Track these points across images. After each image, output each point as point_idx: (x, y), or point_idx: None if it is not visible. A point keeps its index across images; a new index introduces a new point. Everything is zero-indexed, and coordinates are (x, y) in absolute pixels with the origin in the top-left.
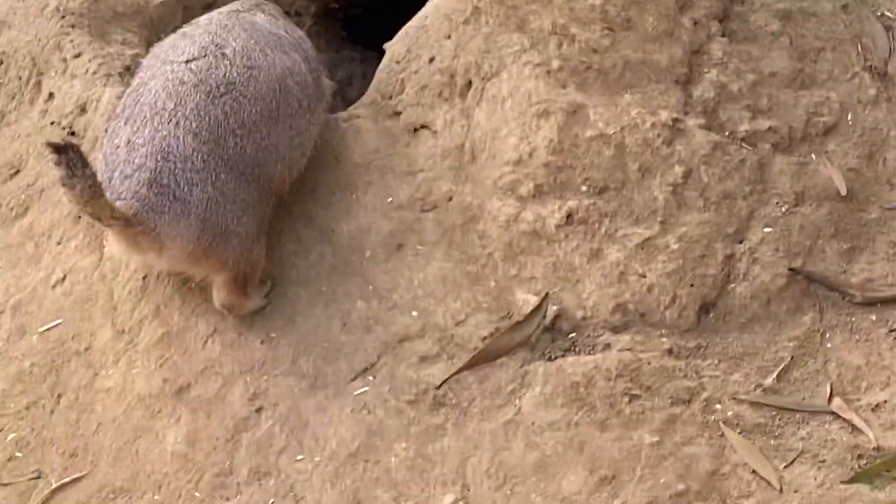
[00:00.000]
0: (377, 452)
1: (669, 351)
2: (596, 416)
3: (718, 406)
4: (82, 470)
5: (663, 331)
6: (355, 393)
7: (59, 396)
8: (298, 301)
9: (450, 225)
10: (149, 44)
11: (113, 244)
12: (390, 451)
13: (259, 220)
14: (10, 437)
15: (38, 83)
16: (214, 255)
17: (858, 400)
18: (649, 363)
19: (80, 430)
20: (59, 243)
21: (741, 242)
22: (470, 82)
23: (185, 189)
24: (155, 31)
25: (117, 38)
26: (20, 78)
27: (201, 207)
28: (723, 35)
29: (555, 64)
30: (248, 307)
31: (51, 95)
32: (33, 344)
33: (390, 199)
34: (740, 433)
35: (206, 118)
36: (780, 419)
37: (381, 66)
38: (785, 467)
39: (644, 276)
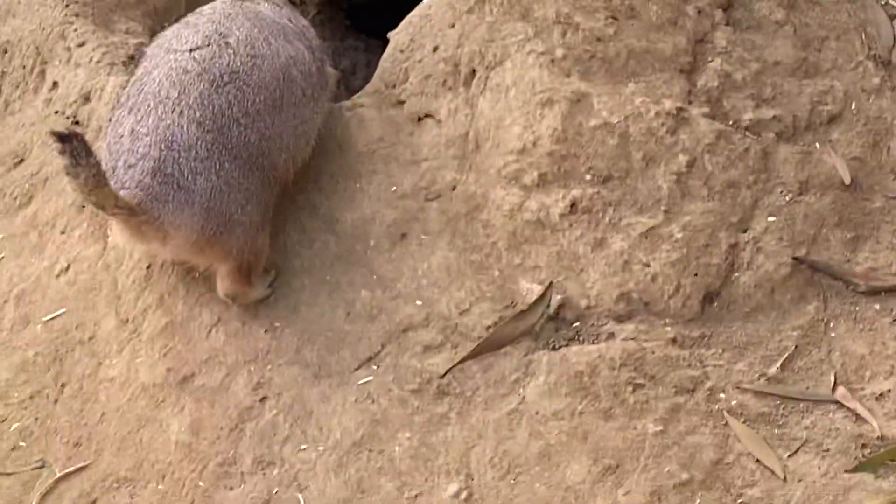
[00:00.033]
0: (381, 442)
1: (673, 340)
2: (600, 406)
3: (722, 395)
4: (86, 459)
5: (667, 320)
6: (359, 382)
7: (63, 386)
8: (302, 290)
9: (454, 214)
10: (152, 33)
11: (117, 233)
12: (394, 440)
13: (263, 209)
14: (14, 426)
15: (42, 72)
16: (218, 245)
17: (862, 389)
18: (653, 352)
19: (83, 419)
20: (62, 232)
21: (745, 231)
22: (474, 71)
23: (189, 178)
24: (158, 20)
25: (121, 27)
26: (24, 67)
27: (205, 197)
28: (727, 24)
29: (559, 53)
30: (251, 296)
31: (55, 84)
32: (37, 333)
33: (394, 188)
34: (744, 422)
35: (210, 107)
36: (783, 408)
37: (384, 55)
38: (789, 456)
39: (648, 266)
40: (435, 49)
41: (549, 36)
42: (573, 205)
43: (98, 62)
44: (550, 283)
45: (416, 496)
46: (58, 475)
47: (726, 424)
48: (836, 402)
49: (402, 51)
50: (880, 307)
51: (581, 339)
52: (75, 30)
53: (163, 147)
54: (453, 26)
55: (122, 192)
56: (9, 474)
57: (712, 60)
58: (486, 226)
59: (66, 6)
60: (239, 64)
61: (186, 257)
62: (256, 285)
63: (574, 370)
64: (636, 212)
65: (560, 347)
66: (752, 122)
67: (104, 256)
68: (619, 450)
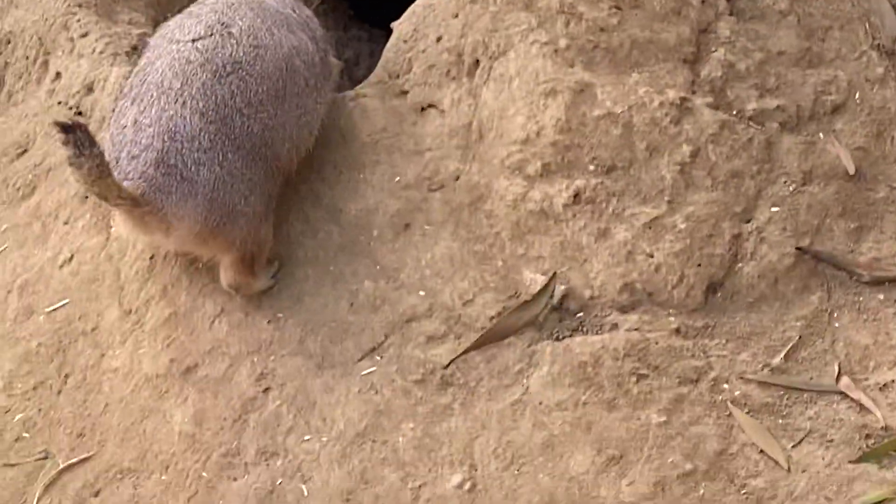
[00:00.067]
0: (384, 432)
1: (677, 330)
2: (603, 396)
3: (726, 386)
4: (89, 450)
5: (671, 310)
6: (362, 373)
7: (67, 377)
8: (306, 281)
9: (457, 204)
10: (155, 23)
11: (120, 224)
12: (397, 431)
13: (266, 199)
14: (18, 417)
15: (45, 63)
16: (222, 235)
17: (866, 379)
18: (657, 343)
19: (87, 410)
20: (66, 223)
21: (749, 222)
22: (477, 61)
23: (192, 169)
24: (161, 10)
25: (124, 18)
26: (27, 57)
27: (208, 187)
28: (730, 13)
29: (562, 43)
30: (255, 287)
31: (58, 75)
32: (40, 324)
33: (398, 178)
34: (748, 413)
35: (213, 98)
36: (787, 399)
37: (388, 45)
38: (793, 447)
39: (652, 256)
40: (438, 39)
41: (553, 26)
42: (577, 195)
43: (101, 53)
44: (554, 273)
45: (420, 486)
46: (61, 466)
47: (730, 415)
48: (840, 392)
49: (405, 41)
50: (884, 297)
51: (585, 329)
52: (78, 20)
53: (166, 138)
54: (457, 16)
55: (125, 183)
56: (13, 465)
57: (716, 50)
58: (489, 216)
59: None
60: (242, 54)
61: (189, 248)
62: (260, 276)
63: (578, 361)
64: (640, 202)
65: (564, 338)
66: (755, 112)
67: (107, 247)
68: (623, 440)
